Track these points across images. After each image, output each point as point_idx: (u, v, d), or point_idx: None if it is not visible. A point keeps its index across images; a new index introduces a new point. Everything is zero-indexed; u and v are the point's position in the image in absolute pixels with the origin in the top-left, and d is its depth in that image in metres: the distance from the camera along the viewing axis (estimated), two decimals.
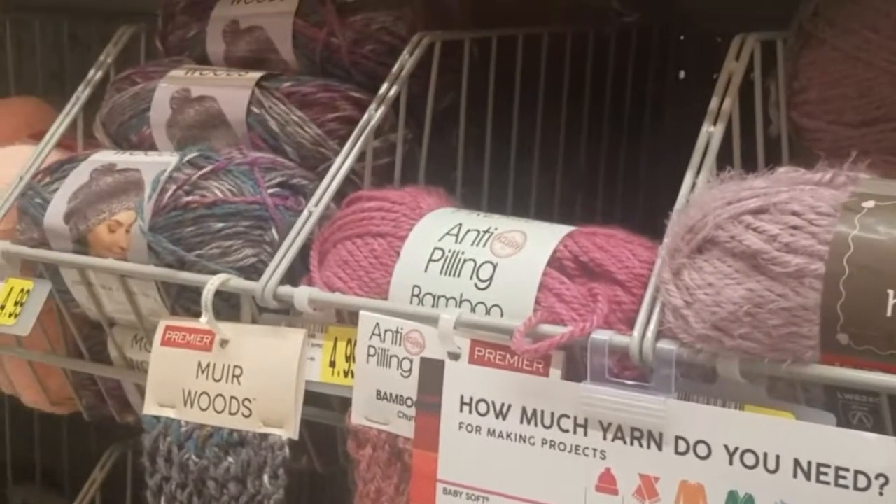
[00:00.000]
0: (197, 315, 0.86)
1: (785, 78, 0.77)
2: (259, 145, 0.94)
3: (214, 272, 0.86)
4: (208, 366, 0.85)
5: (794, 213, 0.59)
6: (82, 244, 0.93)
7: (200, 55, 1.04)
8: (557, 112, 0.99)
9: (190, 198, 0.88)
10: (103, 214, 0.93)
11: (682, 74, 1.13)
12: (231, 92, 0.96)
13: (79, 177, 0.96)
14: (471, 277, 0.76)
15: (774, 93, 0.76)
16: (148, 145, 1.01)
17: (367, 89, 0.93)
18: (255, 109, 0.95)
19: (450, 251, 0.78)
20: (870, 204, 0.59)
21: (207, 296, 0.84)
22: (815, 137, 0.75)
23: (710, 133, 0.73)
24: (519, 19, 0.98)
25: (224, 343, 0.85)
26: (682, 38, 1.13)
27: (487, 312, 0.73)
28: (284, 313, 0.85)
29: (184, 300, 0.91)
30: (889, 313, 0.57)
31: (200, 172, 0.89)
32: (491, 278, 0.75)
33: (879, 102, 0.72)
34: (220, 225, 0.87)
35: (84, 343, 1.02)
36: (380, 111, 0.89)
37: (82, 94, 1.06)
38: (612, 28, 1.06)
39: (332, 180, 0.88)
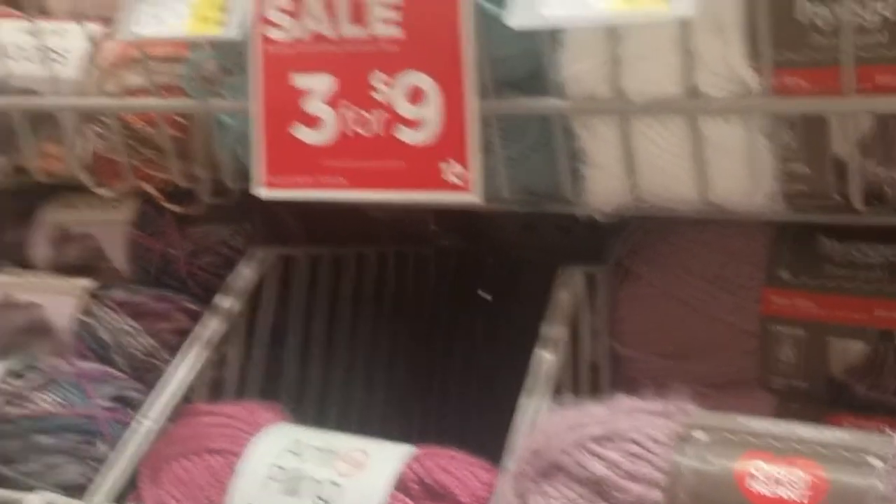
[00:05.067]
0: None
1: (606, 308, 0.83)
2: (87, 355, 0.92)
3: (33, 489, 0.82)
4: None
5: (634, 442, 0.64)
6: None
7: (22, 259, 1.02)
8: (390, 329, 1.03)
9: (16, 410, 0.85)
10: None
11: (496, 296, 1.19)
12: (58, 299, 0.95)
13: None
14: (312, 498, 0.76)
15: (596, 322, 0.82)
16: None
17: (202, 301, 0.94)
18: (84, 318, 0.93)
19: (290, 469, 0.78)
20: (699, 434, 0.64)
21: None
22: (635, 366, 0.82)
23: (543, 358, 0.77)
24: (350, 238, 1.03)
25: None
26: (493, 261, 1.20)
27: None
28: None
29: None
30: None
31: (28, 384, 0.86)
32: (333, 499, 0.75)
33: (691, 337, 0.80)
34: (48, 440, 0.84)
35: None
36: (214, 323, 0.90)
37: None
38: (431, 250, 1.12)
39: (164, 392, 0.87)
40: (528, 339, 0.81)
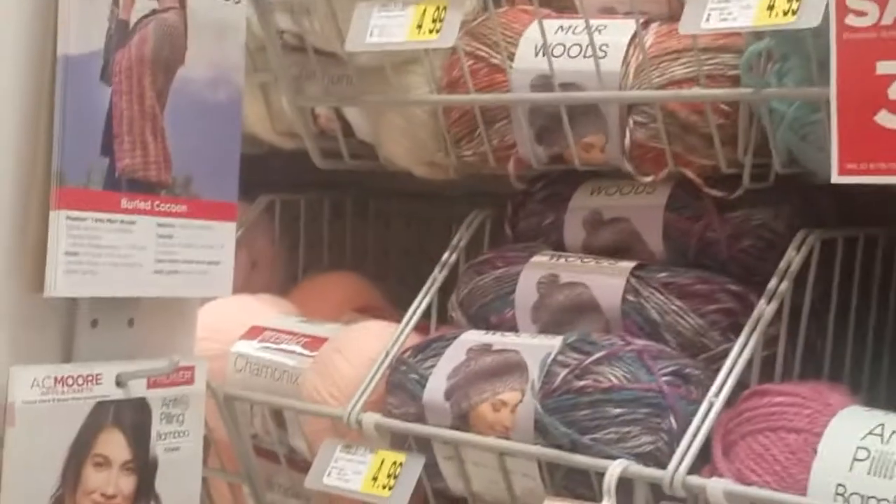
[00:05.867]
0: (579, 498, 0.90)
1: None
2: (634, 333, 0.97)
3: (610, 457, 0.88)
4: None
5: None
6: (463, 421, 0.97)
7: (555, 242, 1.08)
8: None
9: (583, 382, 0.91)
10: (486, 393, 0.97)
11: None
12: (604, 279, 1.00)
13: (454, 355, 1.00)
14: None
15: None
16: (508, 327, 1.05)
17: (742, 282, 0.96)
18: (631, 298, 0.98)
19: (876, 451, 0.79)
20: None
21: (610, 481, 0.86)
22: None
23: None
24: (880, 219, 1.01)
25: None
26: None
27: None
28: (680, 502, 0.87)
29: (571, 482, 0.93)
30: None
31: (592, 358, 0.92)
32: None
33: None
34: (617, 410, 0.90)
35: None
36: (770, 307, 0.92)
37: (438, 275, 1.12)
38: None
39: (725, 371, 0.90)
40: None
